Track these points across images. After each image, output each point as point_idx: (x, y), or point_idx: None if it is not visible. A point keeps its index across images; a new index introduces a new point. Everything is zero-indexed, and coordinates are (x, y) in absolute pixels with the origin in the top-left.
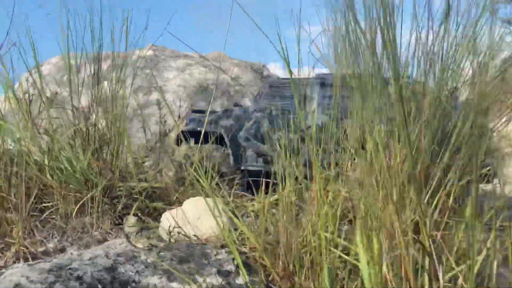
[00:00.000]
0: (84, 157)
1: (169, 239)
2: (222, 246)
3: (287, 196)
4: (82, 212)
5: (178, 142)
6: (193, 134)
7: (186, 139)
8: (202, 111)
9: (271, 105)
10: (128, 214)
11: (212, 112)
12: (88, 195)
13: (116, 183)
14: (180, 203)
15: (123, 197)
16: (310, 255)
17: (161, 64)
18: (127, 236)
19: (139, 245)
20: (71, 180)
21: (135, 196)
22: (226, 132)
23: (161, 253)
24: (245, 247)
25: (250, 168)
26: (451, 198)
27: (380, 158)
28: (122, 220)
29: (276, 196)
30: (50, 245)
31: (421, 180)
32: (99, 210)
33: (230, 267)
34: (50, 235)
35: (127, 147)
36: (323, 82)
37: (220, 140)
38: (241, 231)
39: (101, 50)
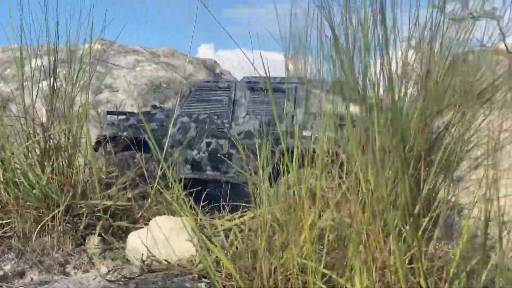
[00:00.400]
0: (44, 172)
1: (143, 268)
2: (199, 277)
3: (263, 216)
4: (41, 232)
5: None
6: (114, 139)
7: (101, 145)
8: (117, 113)
9: (198, 110)
10: (91, 233)
11: (132, 114)
12: (49, 216)
13: (78, 200)
14: (145, 221)
15: (85, 216)
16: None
17: (111, 60)
18: (90, 258)
19: (104, 268)
20: (29, 196)
21: (98, 214)
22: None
23: None
24: (220, 274)
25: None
26: (438, 225)
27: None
28: (85, 240)
29: (250, 214)
30: (7, 268)
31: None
32: (60, 229)
33: None
34: (6, 257)
35: (91, 161)
36: (252, 86)
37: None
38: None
39: (57, 44)
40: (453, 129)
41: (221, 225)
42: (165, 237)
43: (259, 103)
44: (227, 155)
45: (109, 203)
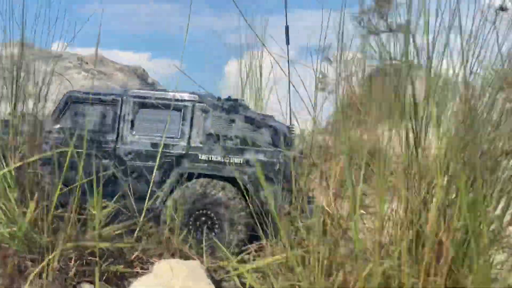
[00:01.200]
0: (28, 210)
1: None
2: None
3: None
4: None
5: None
6: None
7: None
8: None
9: (74, 126)
10: (83, 281)
11: None
12: (40, 266)
13: (70, 242)
14: (141, 263)
15: (74, 260)
16: None
17: (31, 66)
18: None
19: None
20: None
21: (89, 258)
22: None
23: None
24: None
25: None
26: None
27: None
28: None
29: (270, 258)
30: None
31: None
32: (48, 277)
33: None
34: None
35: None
36: (143, 102)
37: None
38: None
39: None
40: None
41: (234, 269)
42: (181, 285)
43: (149, 121)
44: (112, 178)
45: (106, 245)
